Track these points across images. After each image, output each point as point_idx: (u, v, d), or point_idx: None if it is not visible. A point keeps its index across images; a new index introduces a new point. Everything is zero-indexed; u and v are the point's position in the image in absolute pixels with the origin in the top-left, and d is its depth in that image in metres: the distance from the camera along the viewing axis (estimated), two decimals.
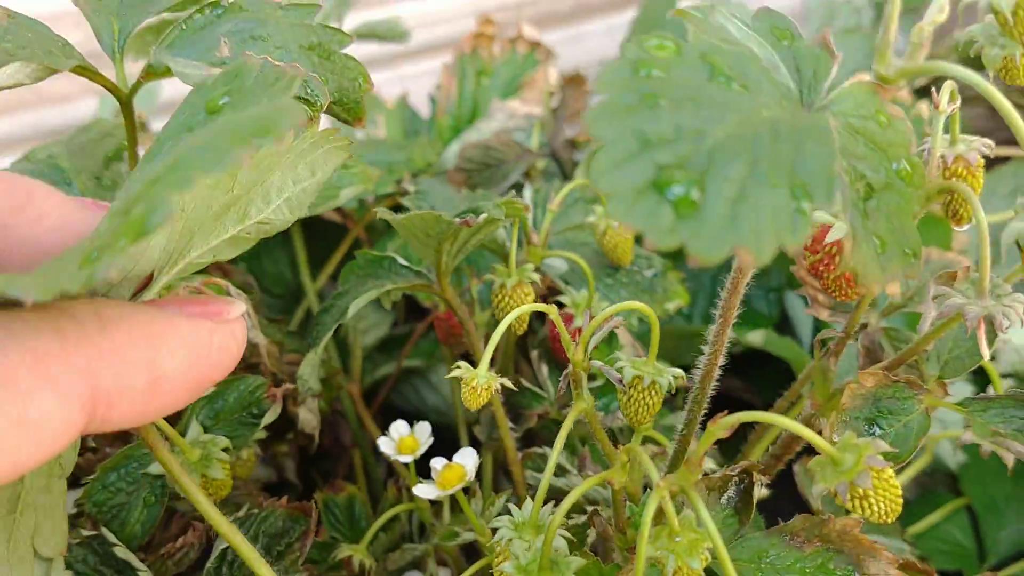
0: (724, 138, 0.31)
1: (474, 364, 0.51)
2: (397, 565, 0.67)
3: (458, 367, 0.49)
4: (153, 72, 0.54)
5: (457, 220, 0.55)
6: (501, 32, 1.07)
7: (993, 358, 0.89)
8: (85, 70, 0.54)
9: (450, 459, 0.60)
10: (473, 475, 0.59)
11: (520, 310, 0.51)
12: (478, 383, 0.47)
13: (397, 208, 0.87)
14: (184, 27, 0.55)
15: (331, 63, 0.56)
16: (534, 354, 0.72)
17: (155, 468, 0.56)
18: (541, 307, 0.50)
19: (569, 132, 0.99)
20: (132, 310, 0.35)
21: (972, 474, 0.86)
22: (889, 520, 0.41)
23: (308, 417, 0.66)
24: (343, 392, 0.84)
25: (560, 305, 0.68)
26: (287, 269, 0.96)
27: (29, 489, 0.46)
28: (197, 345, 0.36)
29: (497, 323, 0.56)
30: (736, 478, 0.48)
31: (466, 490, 0.59)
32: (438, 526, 0.64)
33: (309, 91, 0.49)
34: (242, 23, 0.55)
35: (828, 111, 0.36)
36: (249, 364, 0.63)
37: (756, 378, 0.95)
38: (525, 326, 0.62)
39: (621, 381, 0.51)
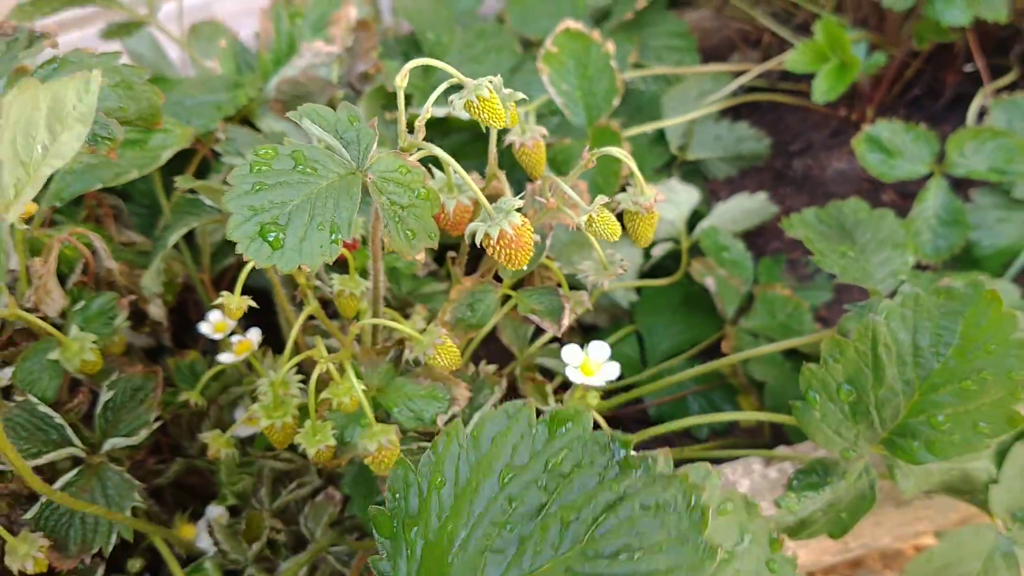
0: (297, 205, 0.63)
1: None
2: (226, 402, 1.01)
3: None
4: None
5: None
6: None
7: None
8: None
9: (245, 332, 0.93)
10: (257, 346, 0.92)
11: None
12: (231, 305, 0.79)
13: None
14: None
15: (133, 92, 0.85)
16: None
17: (53, 355, 0.88)
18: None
19: (361, 67, 1.27)
20: None
21: (641, 309, 1.22)
22: (454, 366, 0.75)
23: (156, 311, 0.99)
24: (197, 281, 1.16)
25: None
26: (151, 185, 1.25)
27: None
28: None
29: None
30: (394, 348, 0.82)
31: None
32: (250, 376, 0.99)
33: (110, 132, 0.78)
34: (71, 74, 0.83)
35: (370, 170, 0.67)
36: (108, 283, 0.94)
37: None
38: None
39: (332, 291, 0.84)
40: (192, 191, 0.98)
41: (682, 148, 1.35)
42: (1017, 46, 1.37)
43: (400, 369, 0.82)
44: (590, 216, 0.71)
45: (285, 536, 0.93)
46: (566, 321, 0.80)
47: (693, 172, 1.40)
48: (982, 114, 1.25)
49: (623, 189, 1.18)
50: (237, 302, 0.79)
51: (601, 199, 0.72)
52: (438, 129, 1.25)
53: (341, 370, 0.78)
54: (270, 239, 0.62)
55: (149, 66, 1.47)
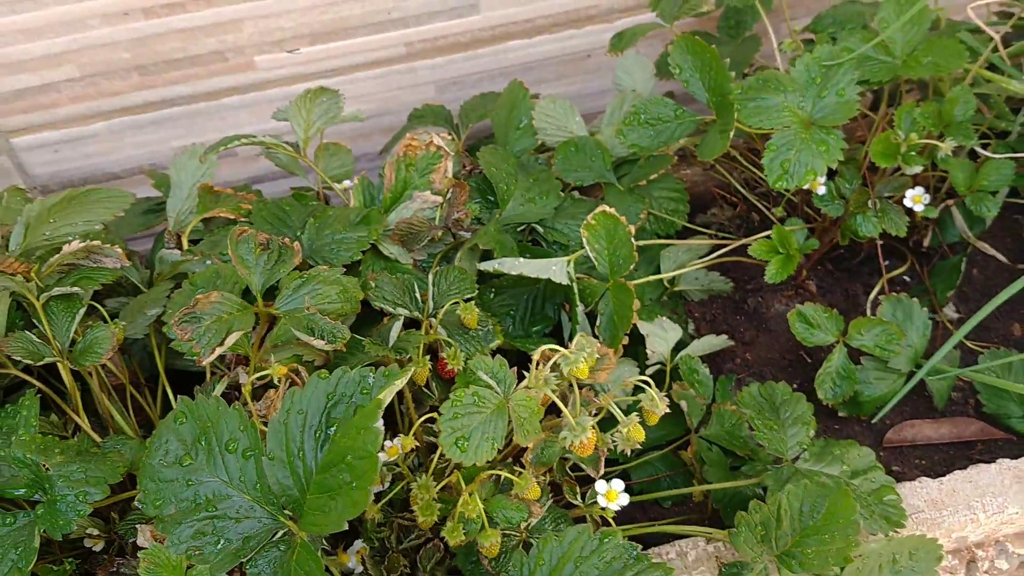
0: (474, 427, 1.12)
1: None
2: None
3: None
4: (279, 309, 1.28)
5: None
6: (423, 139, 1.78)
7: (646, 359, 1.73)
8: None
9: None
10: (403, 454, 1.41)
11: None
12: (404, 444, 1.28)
13: None
14: (289, 287, 1.29)
15: (347, 294, 1.31)
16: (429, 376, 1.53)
17: None
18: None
19: (456, 215, 1.73)
20: None
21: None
22: (536, 497, 1.26)
23: None
24: None
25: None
26: None
27: None
28: None
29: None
30: (493, 475, 1.32)
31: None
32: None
33: (343, 334, 1.25)
34: (312, 287, 1.29)
35: (511, 400, 1.15)
36: None
37: None
38: (425, 379, 1.42)
39: None
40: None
41: (671, 283, 1.85)
42: (914, 236, 1.88)
43: (498, 487, 1.32)
44: (627, 428, 1.21)
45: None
46: (602, 468, 1.30)
47: (677, 296, 1.90)
48: (876, 303, 1.76)
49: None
50: None
51: (635, 416, 1.21)
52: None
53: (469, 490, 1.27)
54: (458, 445, 1.11)
55: (285, 167, 1.91)
